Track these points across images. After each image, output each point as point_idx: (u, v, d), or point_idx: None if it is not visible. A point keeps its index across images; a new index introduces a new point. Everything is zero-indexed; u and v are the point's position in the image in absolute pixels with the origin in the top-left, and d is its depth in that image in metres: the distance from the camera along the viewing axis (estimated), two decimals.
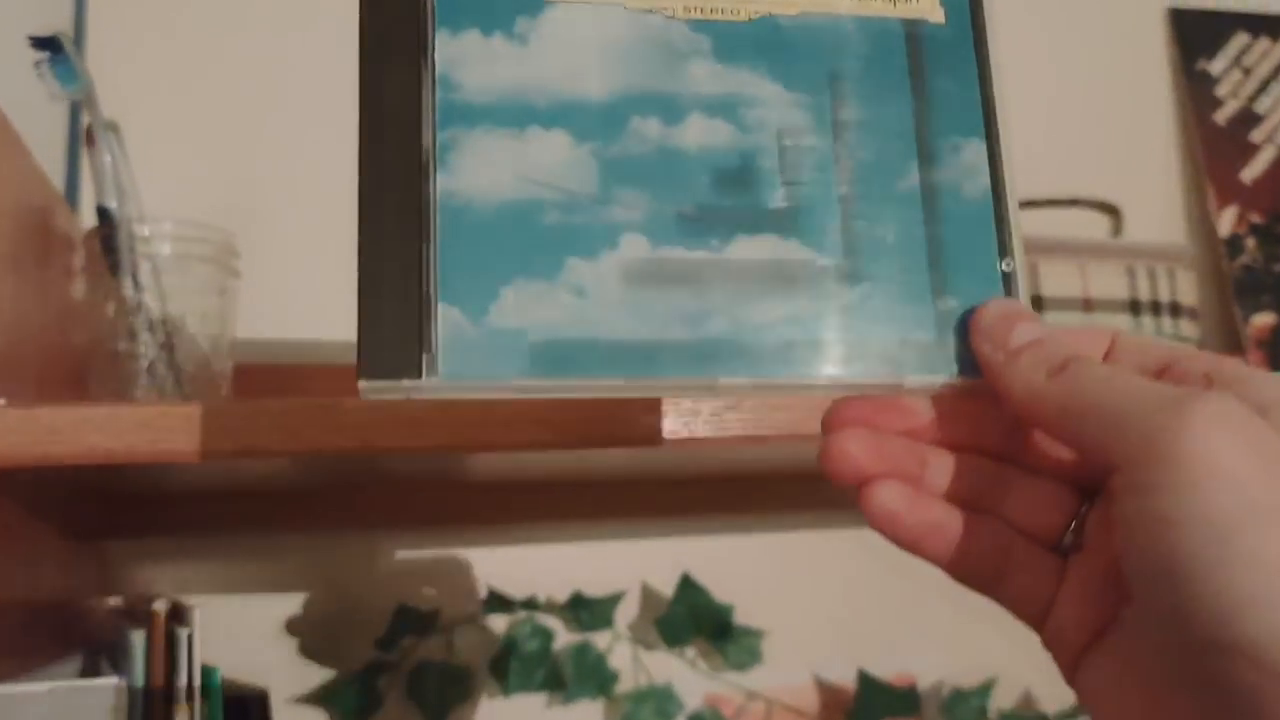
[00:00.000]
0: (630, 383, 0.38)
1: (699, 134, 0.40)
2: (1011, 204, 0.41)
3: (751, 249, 0.39)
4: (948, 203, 0.41)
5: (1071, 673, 0.36)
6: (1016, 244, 0.40)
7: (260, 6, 1.03)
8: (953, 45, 0.42)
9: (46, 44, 0.73)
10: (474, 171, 0.39)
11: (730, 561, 1.00)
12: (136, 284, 0.75)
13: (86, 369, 0.76)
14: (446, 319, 0.37)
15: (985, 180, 0.41)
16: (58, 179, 0.94)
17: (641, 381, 0.38)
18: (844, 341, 0.39)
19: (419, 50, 0.39)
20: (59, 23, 0.95)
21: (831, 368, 0.39)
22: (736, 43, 0.41)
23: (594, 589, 0.97)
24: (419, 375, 0.37)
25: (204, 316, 0.76)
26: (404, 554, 0.97)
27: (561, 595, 0.96)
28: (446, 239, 0.38)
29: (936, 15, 0.42)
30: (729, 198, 0.39)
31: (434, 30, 0.40)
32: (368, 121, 0.39)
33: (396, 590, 0.94)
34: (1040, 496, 0.37)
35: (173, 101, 1.01)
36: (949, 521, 0.37)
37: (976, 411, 0.39)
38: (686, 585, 0.97)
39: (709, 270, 0.38)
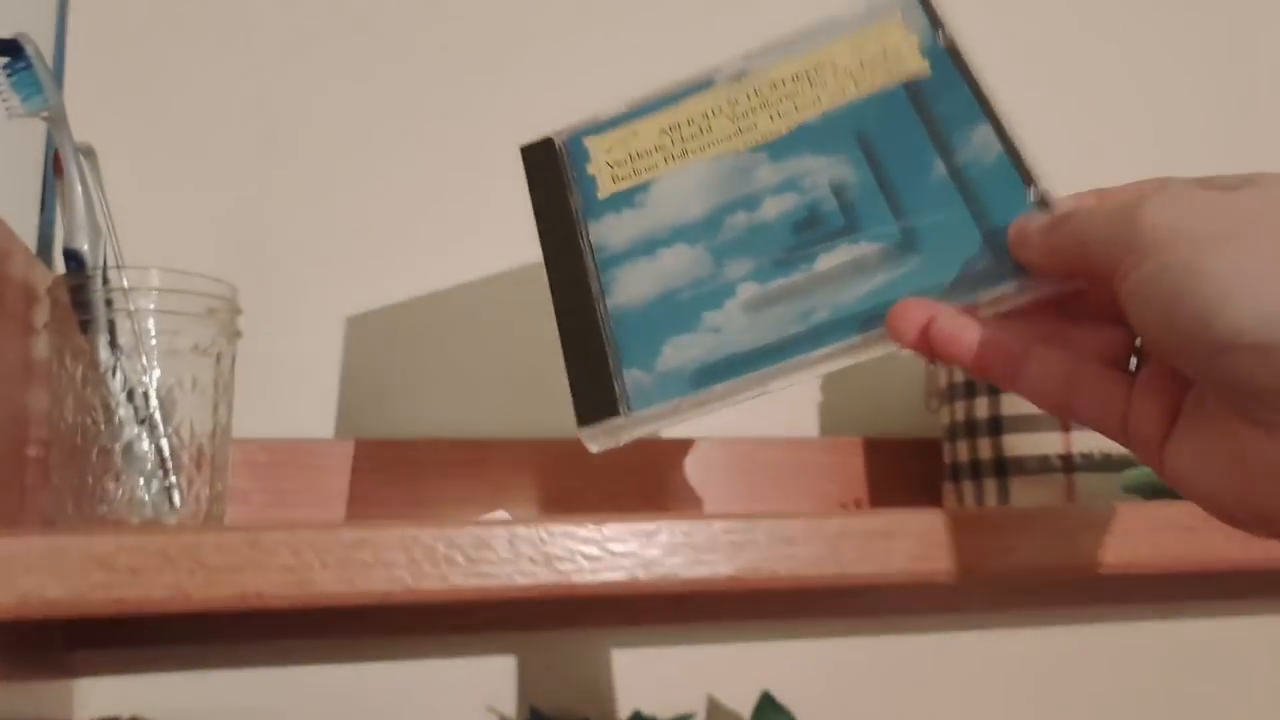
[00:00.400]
0: (760, 374, 0.47)
1: (774, 208, 0.51)
2: (1024, 152, 0.49)
3: (832, 259, 0.49)
4: (973, 172, 0.50)
5: (1160, 466, 0.40)
6: (1037, 176, 0.48)
7: (261, 12, 0.87)
8: (942, 80, 0.53)
9: (4, 49, 0.61)
10: (627, 290, 0.53)
11: (811, 672, 0.88)
12: (114, 346, 0.60)
13: (48, 454, 0.62)
14: (629, 377, 0.50)
15: (997, 146, 0.50)
16: (27, 219, 0.74)
17: (766, 371, 0.47)
18: (919, 292, 0.47)
19: (578, 238, 0.56)
20: (33, 32, 0.72)
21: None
22: (784, 148, 0.53)
23: (655, 706, 0.84)
24: (618, 415, 0.49)
25: (198, 387, 0.62)
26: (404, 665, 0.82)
27: (622, 714, 0.84)
28: (620, 330, 0.52)
29: (923, 68, 0.54)
30: (807, 233, 0.50)
31: (585, 224, 0.56)
32: (556, 281, 0.55)
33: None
34: (1102, 332, 0.43)
35: (159, 126, 0.84)
36: (1019, 348, 0.43)
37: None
38: (767, 706, 0.80)
39: (805, 283, 0.49)
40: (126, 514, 0.57)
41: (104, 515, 0.57)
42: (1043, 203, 0.46)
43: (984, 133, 0.50)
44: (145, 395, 0.59)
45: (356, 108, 0.85)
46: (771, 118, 0.53)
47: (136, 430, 0.59)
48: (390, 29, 0.87)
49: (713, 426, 0.80)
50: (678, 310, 0.50)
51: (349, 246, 0.83)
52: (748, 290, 0.49)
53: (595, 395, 0.50)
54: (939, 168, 0.50)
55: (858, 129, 0.52)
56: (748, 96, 0.55)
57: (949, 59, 0.53)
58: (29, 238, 0.73)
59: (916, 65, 0.53)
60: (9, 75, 0.59)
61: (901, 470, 0.86)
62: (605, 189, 0.56)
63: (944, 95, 0.51)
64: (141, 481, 0.58)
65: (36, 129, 0.71)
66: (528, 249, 0.78)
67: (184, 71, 0.83)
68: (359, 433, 0.79)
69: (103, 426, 0.59)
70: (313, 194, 0.83)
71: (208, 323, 0.62)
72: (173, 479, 0.59)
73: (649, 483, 0.81)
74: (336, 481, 0.76)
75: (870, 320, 0.47)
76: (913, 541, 0.49)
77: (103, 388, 0.59)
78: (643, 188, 0.55)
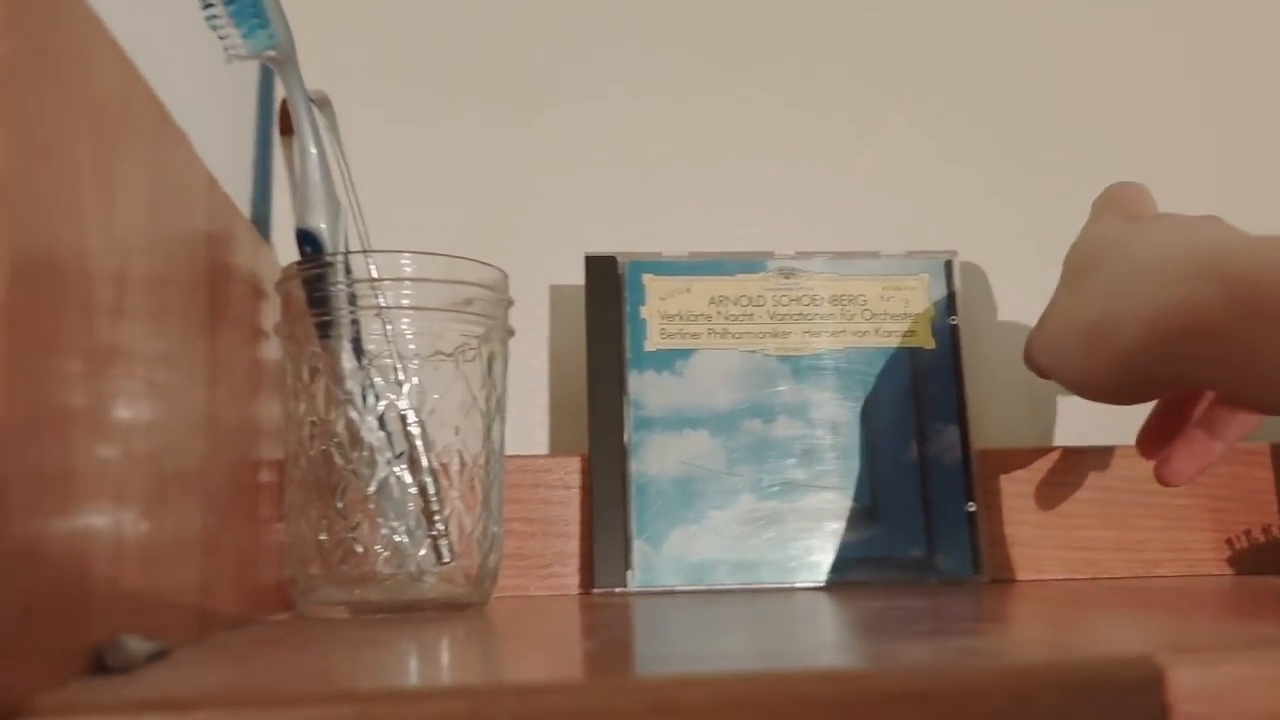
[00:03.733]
0: (741, 583, 0.65)
1: (783, 429, 0.68)
2: (973, 467, 0.67)
3: (814, 502, 0.66)
4: (934, 469, 0.67)
5: None
6: (978, 494, 0.66)
7: None
8: (939, 362, 0.68)
9: None
10: (652, 460, 0.66)
11: None
12: (360, 354, 0.49)
13: (282, 486, 0.50)
14: (639, 550, 0.65)
15: (958, 453, 0.67)
16: (242, 192, 0.51)
17: (745, 581, 0.65)
18: (868, 557, 0.65)
19: (621, 385, 0.67)
20: None
21: (859, 573, 0.66)
22: (805, 369, 0.68)
23: None
24: (624, 584, 0.64)
25: (466, 403, 0.51)
26: None
27: None
28: (638, 501, 0.65)
29: (930, 343, 0.69)
30: (803, 468, 0.67)
31: (629, 375, 0.67)
32: (593, 424, 0.66)
33: None
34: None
35: (403, 79, 0.75)
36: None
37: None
38: None
39: (790, 516, 0.66)
40: (383, 569, 0.49)
41: (352, 574, 0.49)
42: (970, 520, 0.66)
43: (952, 433, 0.67)
44: (402, 419, 0.49)
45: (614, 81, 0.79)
46: (804, 333, 0.69)
47: (392, 464, 0.48)
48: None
49: None
50: (689, 500, 0.65)
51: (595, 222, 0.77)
52: (745, 502, 0.66)
53: (610, 562, 0.64)
54: (912, 451, 0.67)
55: (864, 381, 0.68)
56: (791, 301, 0.69)
57: (950, 341, 0.69)
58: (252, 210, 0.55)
59: (924, 337, 0.69)
60: (228, 4, 0.47)
61: None
62: (654, 341, 0.68)
63: (934, 376, 0.68)
64: (400, 527, 0.49)
65: (247, 70, 0.54)
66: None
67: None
68: None
69: (350, 460, 0.48)
70: (561, 165, 0.77)
71: (476, 320, 0.51)
72: (439, 527, 0.49)
73: None
74: None
75: (831, 568, 0.65)
76: None
77: (348, 409, 0.48)
78: (684, 355, 0.68)
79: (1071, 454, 0.73)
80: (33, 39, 0.27)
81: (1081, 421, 0.77)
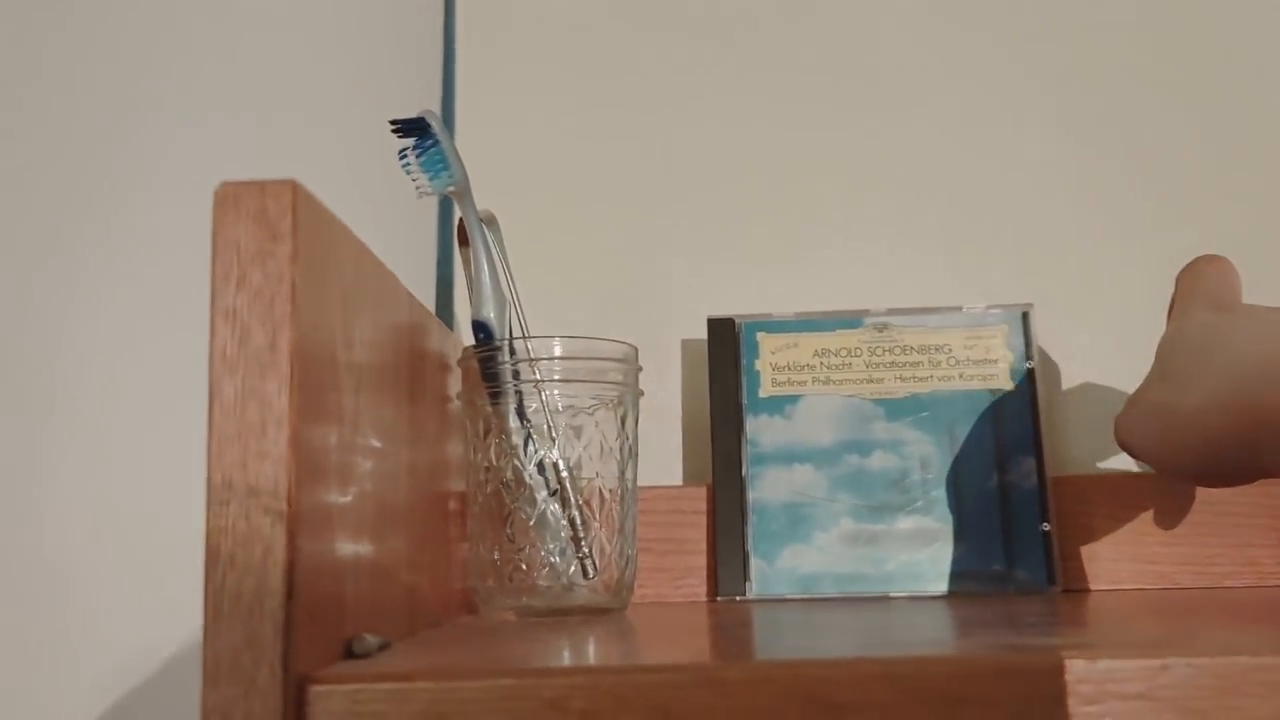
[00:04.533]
0: (843, 594, 0.78)
1: (878, 462, 0.80)
2: (1047, 490, 0.77)
3: (906, 524, 0.79)
4: (1013, 493, 0.77)
5: None
6: (1049, 516, 0.76)
7: (652, 69, 0.94)
8: (1018, 402, 0.79)
9: (412, 127, 0.60)
10: (766, 489, 0.79)
11: None
12: (522, 417, 0.63)
13: (465, 514, 0.66)
14: (756, 566, 0.78)
15: (1034, 479, 0.77)
16: (426, 286, 0.76)
17: (846, 592, 0.78)
18: (953, 571, 0.76)
19: (740, 426, 0.80)
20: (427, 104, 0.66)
21: (946, 585, 0.78)
22: (897, 409, 0.80)
23: None
24: (744, 594, 0.77)
25: (604, 451, 0.65)
26: None
27: None
28: (755, 524, 0.78)
29: (1007, 383, 0.80)
30: (893, 495, 0.79)
31: (746, 418, 0.80)
32: (717, 459, 0.80)
33: None
34: None
35: (554, 192, 0.91)
36: None
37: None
38: None
39: (884, 537, 0.79)
40: (542, 583, 0.63)
41: (519, 586, 0.63)
42: (1045, 539, 0.76)
43: (1029, 463, 0.77)
44: (555, 466, 0.62)
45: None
46: (898, 379, 0.80)
47: (547, 501, 0.62)
48: (768, 75, 0.94)
49: None
50: (798, 523, 0.78)
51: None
52: (845, 525, 0.78)
53: (732, 576, 0.77)
54: (993, 479, 0.77)
55: (950, 420, 0.79)
56: (884, 351, 0.80)
57: (1027, 383, 0.79)
58: (427, 305, 0.74)
59: (1004, 379, 0.79)
60: (418, 155, 0.60)
61: None
62: (766, 389, 0.80)
63: (1014, 414, 0.78)
64: (555, 549, 0.63)
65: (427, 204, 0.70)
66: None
67: (579, 136, 0.93)
68: None
69: (515, 495, 0.62)
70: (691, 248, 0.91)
71: (611, 387, 0.65)
72: (585, 550, 0.62)
73: None
74: None
75: (920, 579, 0.76)
76: None
77: (514, 458, 0.62)
78: (792, 400, 0.80)
79: (1139, 479, 0.82)
80: (309, 245, 0.42)
81: None
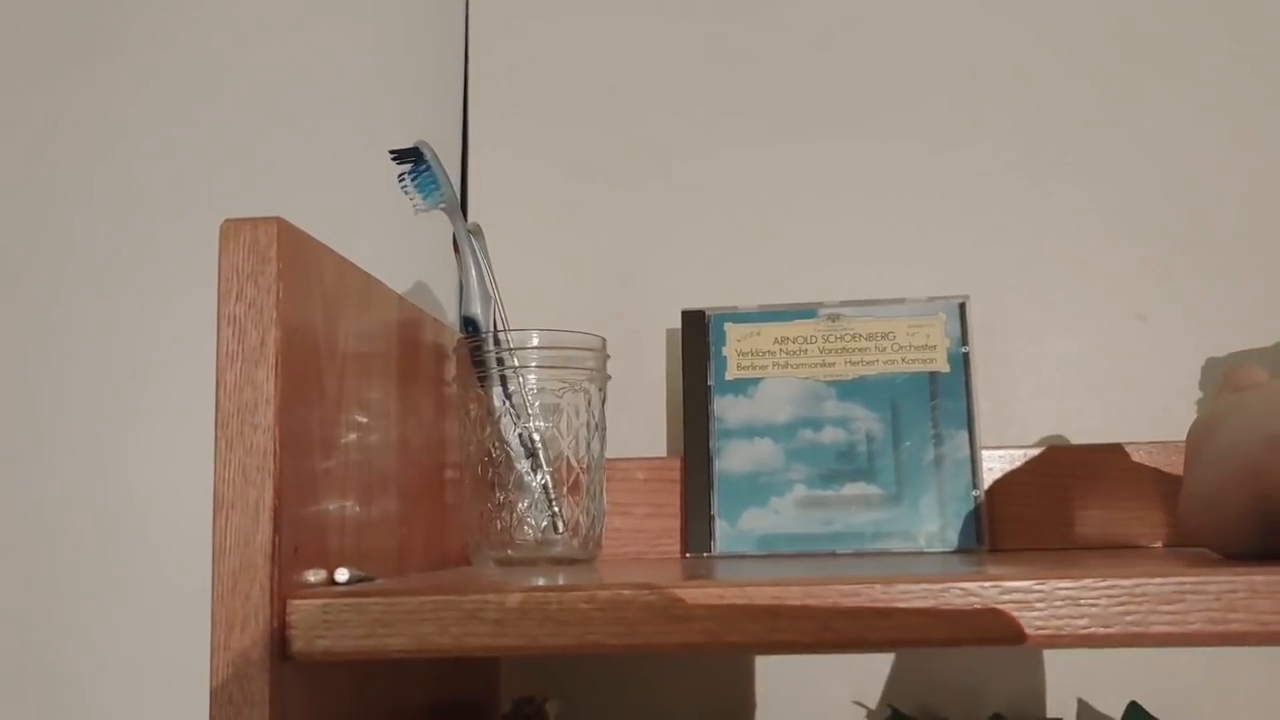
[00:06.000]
0: (795, 551, 0.89)
1: (829, 436, 0.91)
2: (978, 461, 0.89)
3: (854, 489, 0.90)
4: (947, 465, 0.91)
5: None
6: (980, 484, 0.88)
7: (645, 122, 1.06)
8: (952, 381, 0.90)
9: (408, 156, 0.72)
10: (730, 460, 0.90)
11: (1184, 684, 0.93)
12: (507, 397, 0.74)
13: (460, 479, 0.76)
14: (720, 526, 0.89)
15: (967, 451, 0.88)
16: (448, 290, 0.95)
17: (799, 549, 0.89)
18: (893, 531, 0.90)
19: (708, 407, 0.91)
20: (446, 131, 0.83)
21: (887, 543, 0.90)
22: (847, 389, 0.91)
23: (1018, 710, 0.95)
24: (710, 551, 0.88)
25: (574, 426, 0.76)
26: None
27: (980, 715, 0.94)
28: (721, 490, 0.89)
29: (945, 366, 0.92)
30: (843, 464, 0.90)
31: (714, 398, 0.90)
32: (688, 434, 0.91)
33: None
34: None
35: (548, 205, 1.04)
36: None
37: None
38: (1135, 716, 0.88)
39: (833, 500, 0.90)
40: (520, 535, 0.74)
41: (501, 539, 0.75)
42: (975, 506, 0.89)
43: (963, 437, 0.89)
44: (531, 438, 0.73)
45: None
46: (848, 363, 0.91)
47: (525, 466, 0.73)
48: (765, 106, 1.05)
49: None
50: (757, 489, 0.89)
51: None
52: (799, 491, 0.89)
53: (699, 535, 0.89)
54: (931, 453, 0.90)
55: (892, 397, 0.90)
56: (836, 338, 0.91)
57: (961, 364, 0.90)
58: (450, 305, 0.92)
59: (941, 363, 0.91)
60: (414, 180, 0.72)
61: None
62: (732, 372, 0.91)
63: (948, 392, 0.89)
64: (530, 507, 0.74)
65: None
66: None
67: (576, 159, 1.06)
68: None
69: (499, 463, 0.73)
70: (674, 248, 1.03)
71: (580, 372, 0.76)
72: (555, 508, 0.74)
73: None
74: None
75: (866, 539, 0.88)
76: None
77: (498, 432, 0.73)
78: (755, 382, 0.91)
79: (1061, 452, 0.93)
80: (291, 261, 0.55)
81: (1065, 425, 0.97)
